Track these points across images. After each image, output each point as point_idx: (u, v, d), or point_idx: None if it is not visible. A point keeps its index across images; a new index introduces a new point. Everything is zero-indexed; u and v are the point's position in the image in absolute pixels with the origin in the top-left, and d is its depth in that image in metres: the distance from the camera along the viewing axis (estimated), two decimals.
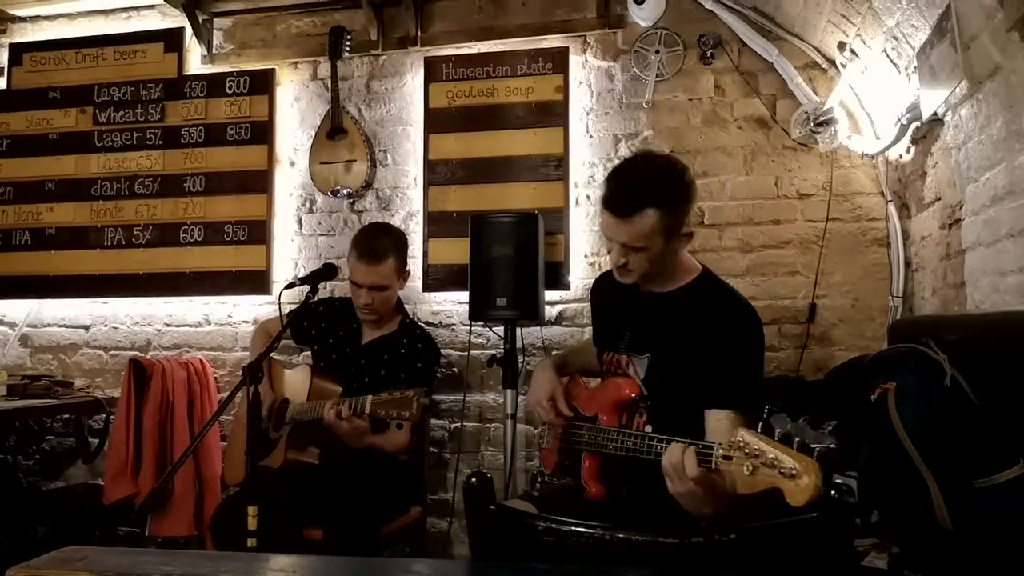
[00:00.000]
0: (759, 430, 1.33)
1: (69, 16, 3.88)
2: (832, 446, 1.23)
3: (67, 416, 3.65)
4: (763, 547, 0.88)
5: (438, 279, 3.38)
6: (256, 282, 3.54)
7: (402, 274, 2.72)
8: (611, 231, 1.85)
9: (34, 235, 3.77)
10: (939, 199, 2.53)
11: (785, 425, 1.29)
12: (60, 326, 3.80)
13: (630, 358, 1.90)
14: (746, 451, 1.32)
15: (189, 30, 3.67)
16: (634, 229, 1.79)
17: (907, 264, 2.93)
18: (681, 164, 1.89)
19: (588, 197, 3.31)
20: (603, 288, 2.16)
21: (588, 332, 3.23)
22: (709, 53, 3.18)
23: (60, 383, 3.54)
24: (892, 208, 2.98)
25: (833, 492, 0.86)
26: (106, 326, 3.74)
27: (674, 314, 1.86)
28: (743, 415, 1.69)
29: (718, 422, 1.70)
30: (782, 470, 1.24)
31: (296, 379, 2.60)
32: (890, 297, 2.98)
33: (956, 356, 1.60)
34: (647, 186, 1.81)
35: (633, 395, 1.83)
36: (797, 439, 1.26)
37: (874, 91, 2.84)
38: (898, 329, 2.32)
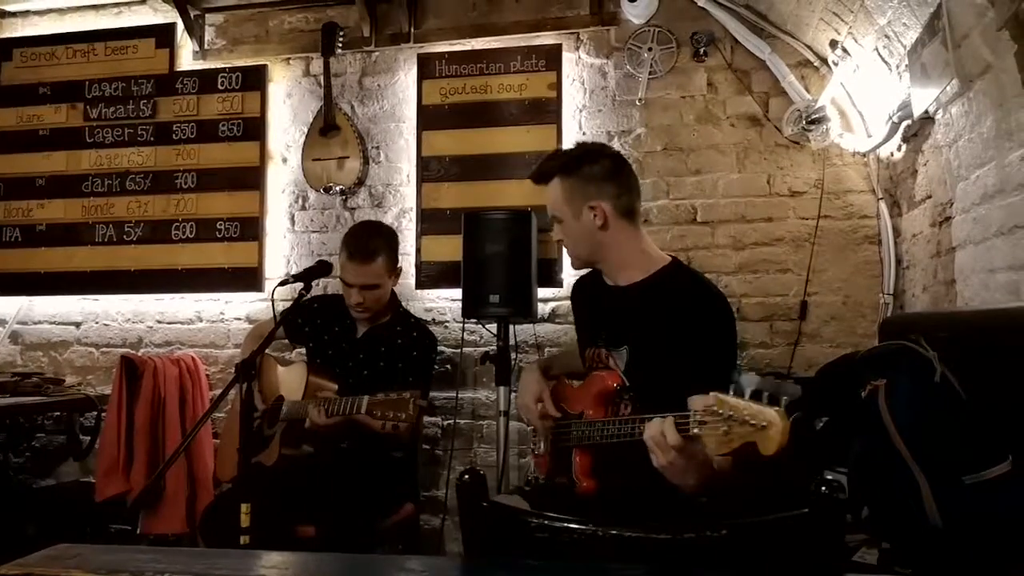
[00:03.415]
0: (731, 393, 1.36)
1: (59, 11, 3.86)
2: (797, 395, 1.26)
3: (58, 413, 3.63)
4: (754, 542, 0.88)
5: (431, 276, 3.38)
6: (248, 279, 3.53)
7: (394, 271, 2.72)
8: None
9: (24, 232, 3.75)
10: (930, 197, 2.55)
11: (753, 384, 1.31)
12: (51, 323, 3.78)
13: (609, 352, 1.92)
14: (720, 413, 1.36)
15: (180, 26, 3.65)
16: (549, 194, 1.93)
17: (898, 262, 2.95)
18: (602, 146, 2.05)
19: None
20: (579, 289, 2.19)
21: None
22: (702, 51, 3.18)
23: (51, 380, 3.53)
24: (883, 206, 2.99)
25: (824, 488, 0.87)
26: (97, 323, 3.73)
27: (645, 304, 1.88)
28: None
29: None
30: (752, 423, 1.28)
31: (292, 377, 2.60)
32: (881, 294, 3.00)
33: (946, 353, 1.61)
34: (555, 159, 1.98)
35: (615, 385, 1.84)
36: (767, 393, 1.29)
37: (866, 89, 2.85)
38: (889, 326, 2.33)
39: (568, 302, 3.29)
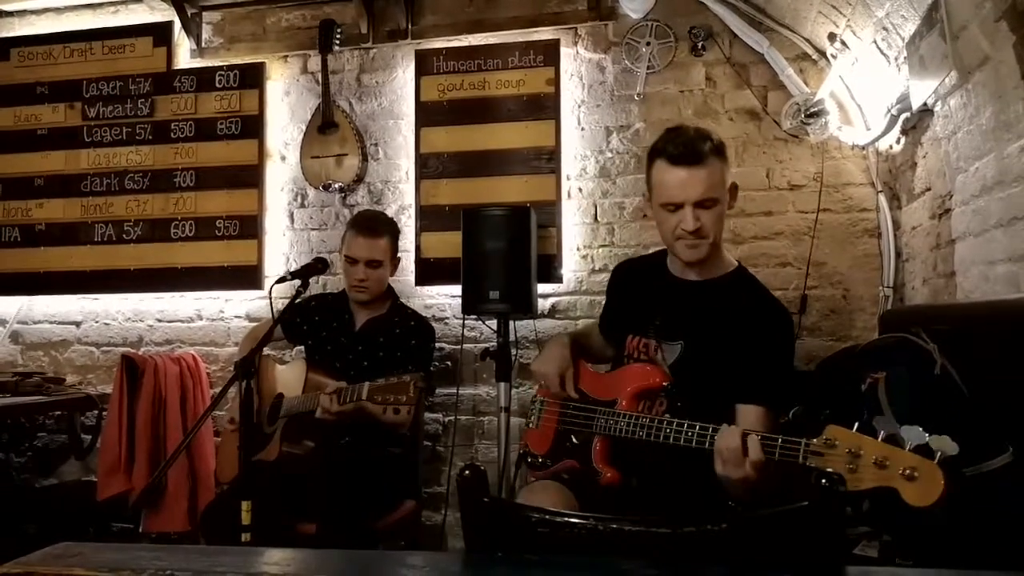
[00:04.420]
0: (854, 430, 1.35)
1: (56, 10, 3.85)
2: (953, 451, 1.25)
3: (59, 413, 3.64)
4: (754, 536, 0.88)
5: (430, 273, 3.38)
6: (248, 277, 3.53)
7: (394, 258, 2.79)
8: (679, 189, 1.76)
9: (24, 232, 3.75)
10: (929, 189, 2.54)
11: (892, 427, 1.31)
12: (51, 323, 3.78)
13: (659, 344, 1.87)
14: (847, 450, 1.35)
15: (178, 24, 3.64)
16: (706, 176, 1.74)
17: (898, 254, 2.95)
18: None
19: (580, 190, 3.31)
20: (628, 273, 2.11)
21: (582, 325, 3.24)
22: (700, 45, 3.18)
23: (52, 380, 3.53)
24: (883, 199, 2.99)
25: (824, 481, 0.87)
26: (97, 322, 3.73)
27: (713, 303, 1.84)
28: (773, 412, 1.70)
29: (749, 417, 1.71)
30: (899, 471, 1.27)
31: (291, 374, 2.61)
32: (881, 287, 3.00)
33: (946, 345, 1.61)
34: (705, 137, 1.78)
35: (665, 383, 1.81)
36: (914, 443, 1.28)
37: (864, 82, 2.85)
38: (889, 319, 2.32)
39: (568, 298, 3.30)
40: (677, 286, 1.92)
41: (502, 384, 3.01)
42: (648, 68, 3.23)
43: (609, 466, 1.81)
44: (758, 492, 1.55)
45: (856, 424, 1.36)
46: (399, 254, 2.86)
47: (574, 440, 1.91)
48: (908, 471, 1.27)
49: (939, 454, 1.25)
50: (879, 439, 1.32)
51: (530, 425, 2.06)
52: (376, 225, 2.74)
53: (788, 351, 1.82)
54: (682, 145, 1.77)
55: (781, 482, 1.58)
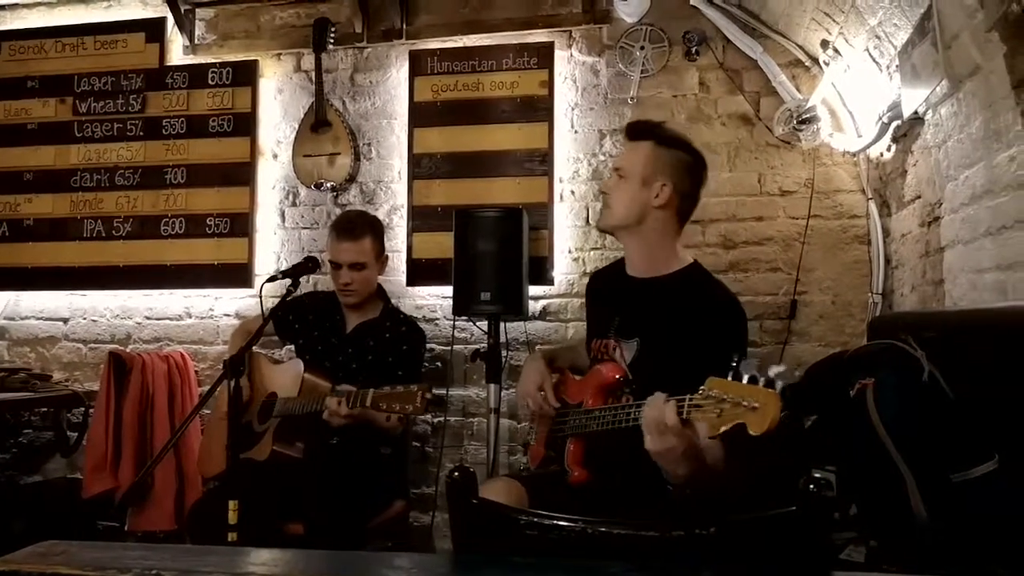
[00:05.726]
0: (730, 379, 1.39)
1: (48, 4, 3.83)
2: (795, 380, 1.31)
3: (45, 409, 3.61)
4: (742, 540, 0.89)
5: (422, 273, 3.37)
6: (238, 275, 3.51)
7: (380, 257, 2.76)
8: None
9: (12, 226, 3.72)
10: (919, 197, 2.56)
11: (752, 369, 1.35)
12: (38, 319, 3.75)
13: (618, 342, 1.92)
14: (714, 396, 1.39)
15: (171, 20, 3.63)
16: (629, 151, 1.95)
17: (887, 261, 2.96)
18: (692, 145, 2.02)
19: (572, 192, 3.31)
20: (598, 278, 2.21)
21: (572, 327, 3.25)
22: (694, 50, 3.19)
23: (38, 376, 3.50)
24: (873, 206, 3.01)
25: (812, 486, 0.87)
26: (85, 319, 3.70)
27: (665, 299, 1.89)
28: None
29: None
30: (744, 404, 1.32)
31: (286, 373, 2.58)
32: (870, 294, 3.01)
33: (934, 353, 1.62)
34: (657, 127, 2.00)
35: (617, 377, 1.85)
36: (763, 378, 1.33)
37: (856, 89, 2.86)
38: (877, 326, 2.34)
39: (559, 300, 3.30)
40: (633, 285, 1.98)
41: (492, 386, 3.00)
42: (642, 72, 3.24)
43: (579, 465, 1.84)
44: (695, 473, 1.57)
45: (731, 373, 1.40)
46: (387, 253, 2.83)
47: (556, 446, 1.94)
48: (753, 403, 1.31)
49: (780, 384, 1.30)
50: (744, 381, 1.36)
51: (532, 441, 2.10)
52: (356, 227, 2.68)
53: (736, 341, 1.85)
54: (636, 122, 2.04)
55: (737, 480, 1.60)
